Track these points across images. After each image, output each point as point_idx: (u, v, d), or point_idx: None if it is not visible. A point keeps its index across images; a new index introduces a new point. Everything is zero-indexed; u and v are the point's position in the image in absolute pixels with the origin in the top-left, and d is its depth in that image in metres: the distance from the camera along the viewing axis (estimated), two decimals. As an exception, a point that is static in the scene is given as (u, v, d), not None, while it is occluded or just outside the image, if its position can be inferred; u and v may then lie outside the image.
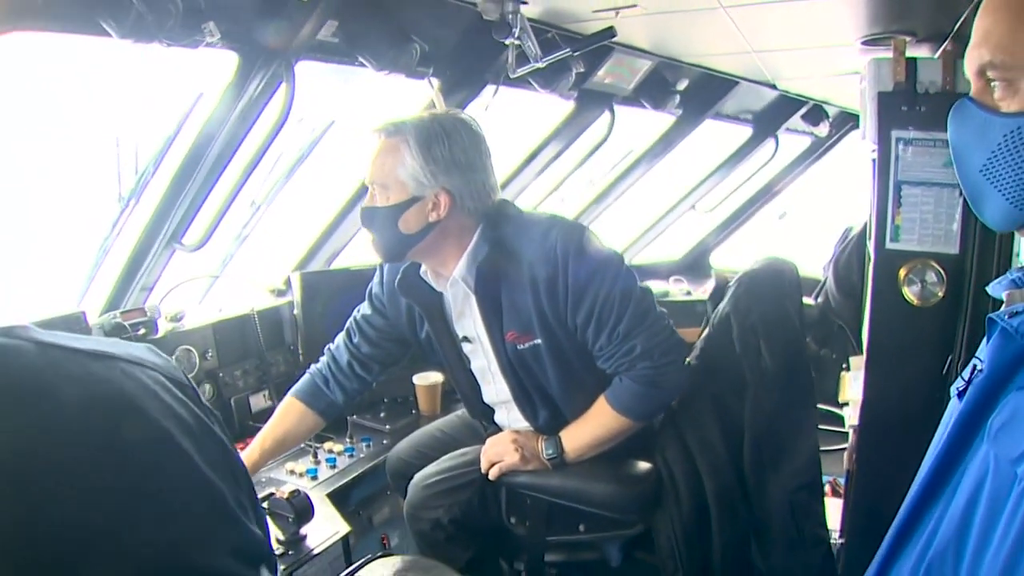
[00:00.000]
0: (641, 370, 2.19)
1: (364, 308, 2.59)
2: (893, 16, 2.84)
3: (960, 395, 1.17)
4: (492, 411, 2.55)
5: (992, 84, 1.09)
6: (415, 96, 3.24)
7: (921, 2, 2.67)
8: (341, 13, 2.40)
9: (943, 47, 2.94)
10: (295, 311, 3.33)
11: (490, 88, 3.14)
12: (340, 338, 2.64)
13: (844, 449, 3.39)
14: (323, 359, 2.63)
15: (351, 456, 2.89)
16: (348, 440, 2.98)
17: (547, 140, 4.16)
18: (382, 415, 3.22)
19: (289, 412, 2.57)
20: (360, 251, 3.83)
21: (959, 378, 1.18)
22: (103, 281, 2.94)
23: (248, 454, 2.50)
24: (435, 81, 2.96)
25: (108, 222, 2.82)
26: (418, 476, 2.47)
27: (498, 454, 2.36)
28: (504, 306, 2.25)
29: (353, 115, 3.21)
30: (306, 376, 2.63)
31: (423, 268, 2.39)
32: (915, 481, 1.23)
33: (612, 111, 4.08)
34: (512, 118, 3.71)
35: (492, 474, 2.35)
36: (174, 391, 1.02)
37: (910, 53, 2.87)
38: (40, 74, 2.34)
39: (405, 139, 2.17)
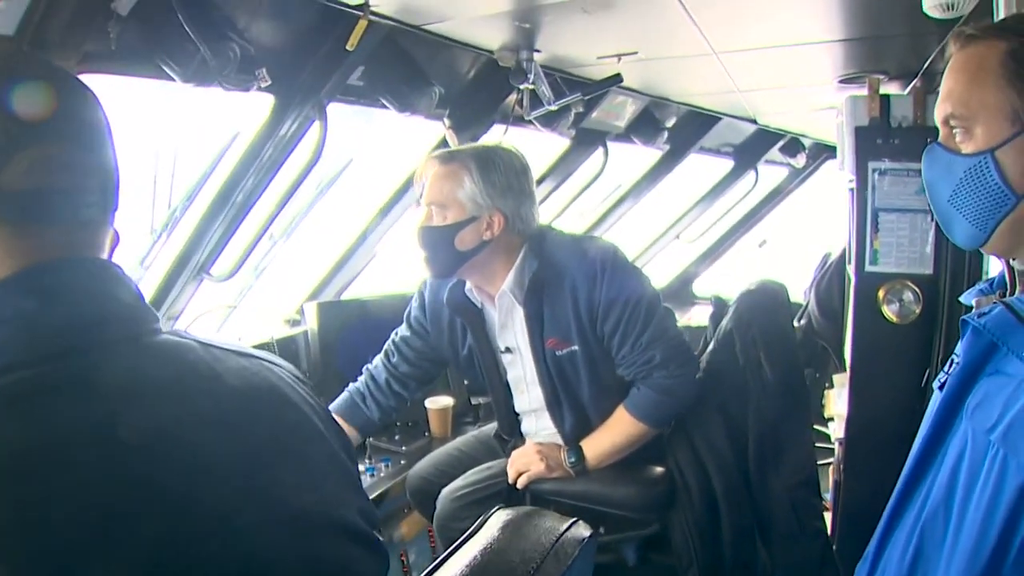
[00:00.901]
0: (658, 379, 2.40)
1: (402, 330, 2.82)
2: (867, 58, 3.05)
3: (941, 387, 1.38)
4: (519, 421, 2.73)
5: (954, 131, 1.32)
6: (428, 134, 3.45)
7: (893, 45, 2.88)
8: (368, 59, 2.57)
9: (913, 84, 3.15)
10: (310, 339, 3.48)
11: (498, 127, 3.33)
12: (378, 359, 2.84)
13: (830, 463, 3.57)
14: (361, 379, 2.83)
15: (372, 476, 2.99)
16: (368, 461, 3.09)
17: (544, 176, 4.34)
18: (397, 438, 3.33)
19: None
20: (369, 283, 4.01)
21: (940, 372, 1.41)
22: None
23: None
24: (448, 120, 3.14)
25: (138, 255, 2.92)
26: (446, 490, 2.63)
27: (525, 464, 2.53)
28: (546, 316, 2.46)
29: (372, 153, 3.39)
30: (344, 394, 2.83)
31: (467, 287, 2.60)
32: (907, 461, 1.45)
33: (605, 147, 4.28)
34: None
35: (520, 483, 2.52)
36: (301, 385, 1.21)
37: (883, 90, 3.06)
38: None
39: (466, 165, 2.42)
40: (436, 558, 1.02)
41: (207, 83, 2.10)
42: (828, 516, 3.59)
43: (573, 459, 2.50)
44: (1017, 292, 1.33)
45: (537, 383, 2.55)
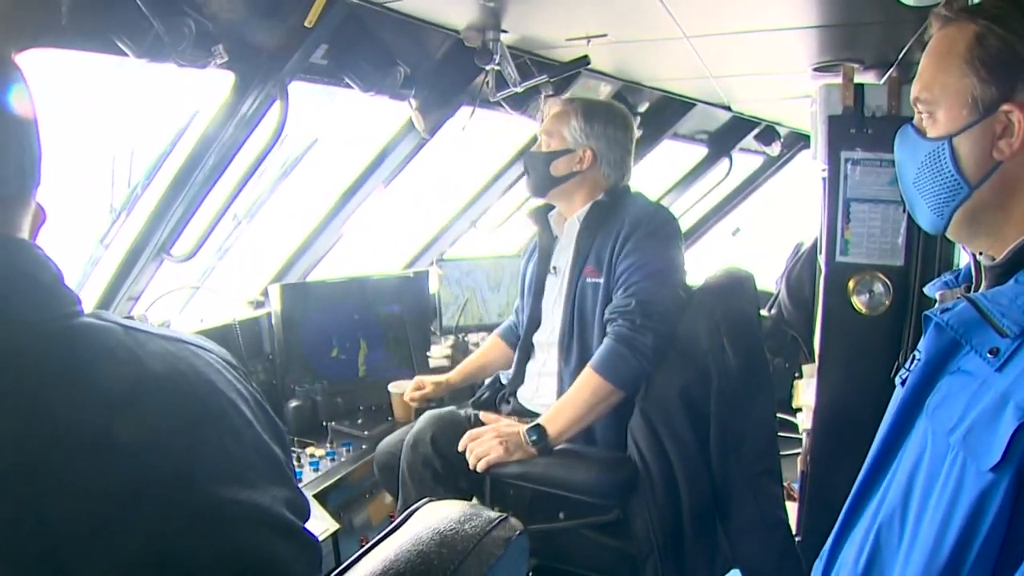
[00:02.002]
0: (621, 326, 2.54)
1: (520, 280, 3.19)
2: (843, 45, 3.02)
3: (903, 383, 1.34)
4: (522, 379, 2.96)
5: (921, 114, 1.31)
6: (393, 115, 3.39)
7: (869, 33, 2.85)
8: (332, 37, 2.52)
9: (889, 74, 3.13)
10: (274, 321, 3.44)
11: (466, 109, 3.28)
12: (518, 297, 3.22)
13: (798, 454, 3.55)
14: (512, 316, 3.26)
15: (332, 460, 2.99)
16: (329, 445, 3.07)
17: (513, 160, 4.29)
18: (359, 422, 3.31)
19: (492, 346, 3.28)
20: (335, 265, 3.97)
21: (903, 369, 1.38)
22: (90, 290, 2.99)
23: (450, 375, 3.22)
24: (414, 101, 3.08)
25: (97, 233, 2.88)
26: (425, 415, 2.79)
27: (484, 450, 2.52)
28: (594, 245, 2.74)
29: (337, 133, 3.34)
30: (505, 323, 3.29)
31: (551, 212, 2.97)
32: (867, 458, 1.41)
33: (577, 131, 4.21)
34: (476, 139, 3.84)
35: (480, 467, 2.50)
36: (231, 371, 1.17)
37: (858, 79, 3.03)
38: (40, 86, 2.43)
39: (575, 108, 2.83)
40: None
41: (162, 59, 2.05)
42: (795, 507, 3.60)
43: (534, 436, 2.51)
44: (983, 287, 1.29)
45: (562, 307, 2.78)
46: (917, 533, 1.20)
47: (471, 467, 2.53)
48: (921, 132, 1.31)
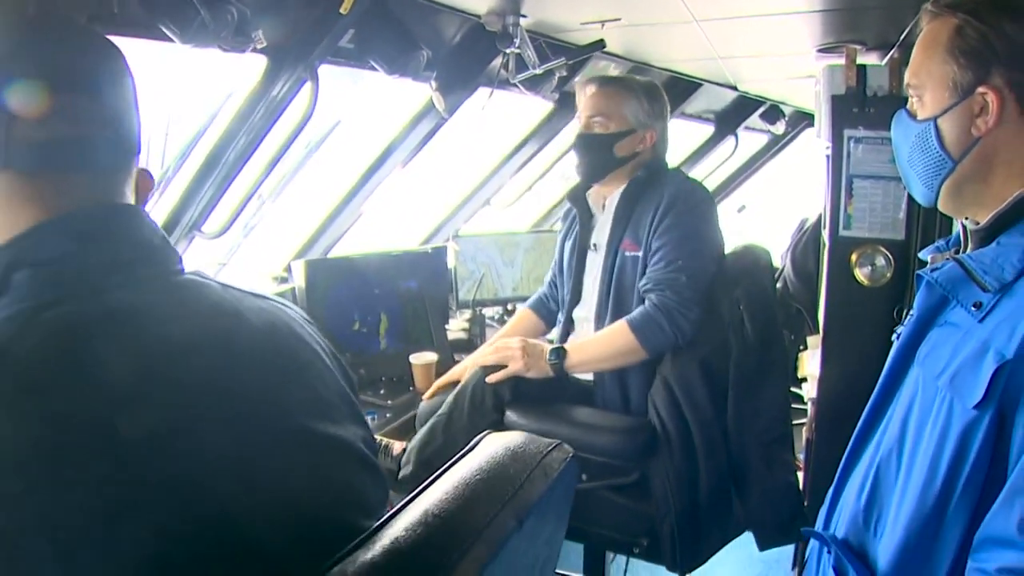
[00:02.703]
0: (665, 296, 2.62)
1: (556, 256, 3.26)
2: (846, 28, 3.11)
3: (899, 338, 1.51)
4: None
5: (912, 98, 1.46)
6: (412, 97, 3.51)
7: (871, 16, 2.93)
8: (358, 22, 2.61)
9: (890, 55, 3.21)
10: (297, 296, 3.55)
11: (483, 90, 3.39)
12: (550, 269, 3.32)
13: (804, 423, 3.68)
14: (543, 286, 3.35)
15: None
16: (358, 412, 3.19)
17: (525, 139, 4.40)
18: (382, 392, 3.40)
19: (522, 318, 3.34)
20: (355, 241, 4.09)
21: (899, 326, 1.54)
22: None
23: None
24: (435, 83, 3.20)
25: None
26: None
27: (505, 358, 2.71)
28: (631, 221, 2.79)
29: (359, 115, 3.46)
30: (535, 295, 3.37)
31: (589, 192, 3.03)
32: (866, 407, 1.56)
33: (588, 111, 4.32)
34: (489, 120, 3.95)
35: (491, 378, 2.69)
36: (310, 326, 1.30)
37: (860, 60, 3.10)
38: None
39: (632, 88, 2.87)
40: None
41: (206, 45, 2.14)
42: (801, 475, 3.72)
43: (554, 358, 2.68)
44: (968, 249, 1.44)
45: (599, 281, 2.86)
46: (912, 468, 1.36)
47: (484, 363, 2.76)
48: (912, 115, 1.46)
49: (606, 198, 2.95)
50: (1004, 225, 1.37)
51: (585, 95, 2.91)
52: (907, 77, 1.47)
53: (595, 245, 2.95)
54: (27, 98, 1.04)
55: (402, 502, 0.97)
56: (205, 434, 1.01)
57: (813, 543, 1.65)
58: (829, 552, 1.53)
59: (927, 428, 1.34)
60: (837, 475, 1.61)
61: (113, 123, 1.13)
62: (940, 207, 1.48)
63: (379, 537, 0.91)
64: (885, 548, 1.39)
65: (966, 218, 1.46)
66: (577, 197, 3.06)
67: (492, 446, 1.12)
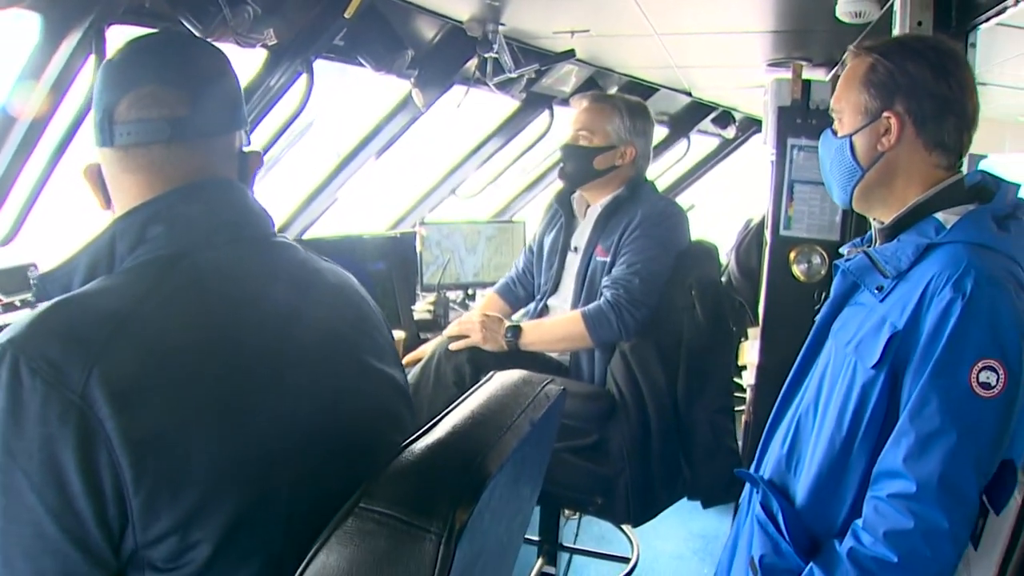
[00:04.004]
0: (617, 295, 2.87)
1: (528, 246, 3.55)
2: (794, 46, 3.41)
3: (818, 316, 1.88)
4: None
5: (834, 120, 1.80)
6: (389, 94, 3.75)
7: (817, 36, 3.23)
8: (350, 21, 2.78)
9: (834, 71, 3.50)
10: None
11: (459, 88, 3.63)
12: (520, 257, 3.58)
13: (743, 411, 3.94)
14: (511, 271, 3.58)
15: None
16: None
17: (491, 135, 4.64)
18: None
19: (490, 303, 3.53)
20: (329, 225, 4.31)
21: (818, 305, 1.89)
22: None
23: None
24: (414, 80, 3.39)
25: None
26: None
27: (466, 330, 2.98)
28: (607, 229, 3.03)
29: (339, 106, 3.67)
30: (501, 280, 3.59)
31: (574, 196, 3.26)
32: (790, 374, 1.92)
33: (551, 111, 4.58)
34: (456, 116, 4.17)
35: (454, 346, 2.95)
36: (364, 289, 1.55)
37: (806, 75, 3.34)
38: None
39: (617, 106, 3.08)
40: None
41: (224, 39, 2.34)
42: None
43: (510, 335, 2.94)
44: (876, 244, 1.76)
45: (575, 280, 3.10)
46: (824, 419, 1.70)
47: (446, 335, 3.04)
48: (835, 132, 1.79)
49: (589, 206, 3.17)
50: (904, 225, 1.70)
51: (577, 109, 3.17)
52: (832, 103, 1.79)
53: (575, 248, 3.17)
54: (138, 89, 1.28)
55: (431, 422, 1.23)
56: (288, 363, 1.27)
57: (747, 487, 1.96)
58: (758, 491, 1.83)
59: (837, 386, 1.68)
60: (766, 429, 1.93)
61: (228, 108, 1.37)
62: (854, 207, 1.80)
63: (419, 442, 1.17)
64: (802, 485, 1.73)
65: (875, 220, 1.79)
66: (563, 201, 3.28)
67: (506, 375, 1.41)
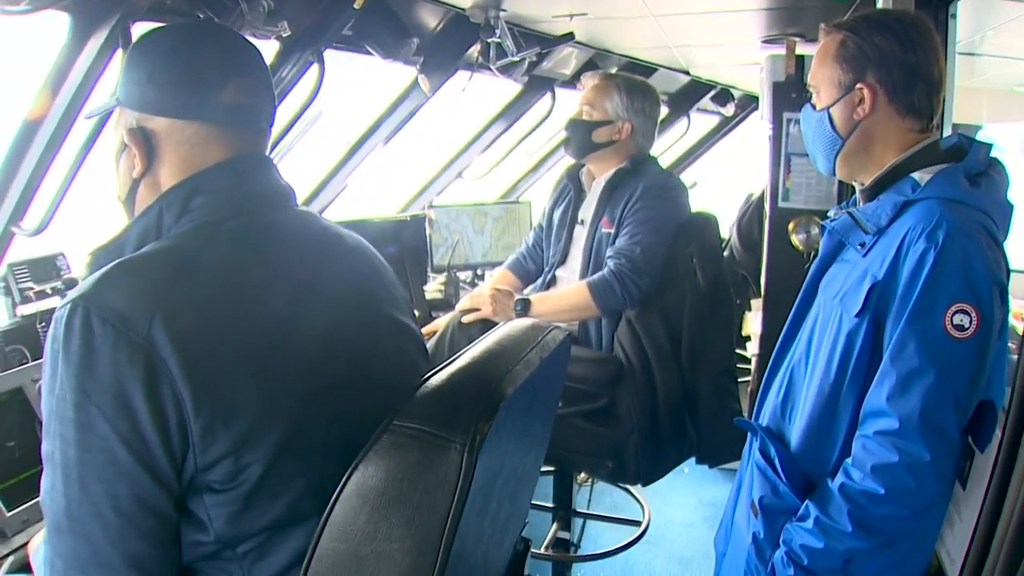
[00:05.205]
0: (620, 265, 3.01)
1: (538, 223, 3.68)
2: (787, 22, 3.49)
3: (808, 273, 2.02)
4: None
5: (813, 95, 1.92)
6: (398, 79, 3.86)
7: (809, 12, 3.27)
8: (358, 11, 2.90)
9: None
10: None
11: (463, 73, 3.73)
12: (531, 233, 3.72)
13: (747, 381, 4.04)
14: (521, 247, 3.73)
15: None
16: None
17: (495, 119, 4.75)
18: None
19: (502, 278, 3.65)
20: (341, 210, 4.41)
21: (808, 263, 2.02)
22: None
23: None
24: (420, 67, 3.50)
25: None
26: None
27: (478, 303, 3.15)
28: (612, 201, 3.18)
29: (349, 94, 3.77)
30: (512, 256, 3.74)
31: (583, 170, 3.41)
32: (783, 328, 2.06)
33: (553, 93, 4.67)
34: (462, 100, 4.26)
35: (465, 319, 3.13)
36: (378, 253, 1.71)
37: (800, 51, 3.47)
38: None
39: (617, 84, 3.27)
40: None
41: (240, 32, 2.41)
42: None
43: (520, 307, 3.10)
44: (860, 205, 1.88)
45: (582, 253, 3.25)
46: (815, 365, 1.84)
47: (458, 309, 3.23)
48: (813, 106, 1.92)
49: (595, 180, 3.31)
50: (883, 185, 1.83)
51: (585, 86, 3.35)
52: (808, 79, 1.93)
53: (583, 220, 3.31)
54: (226, 77, 1.44)
55: (445, 361, 1.38)
56: (320, 312, 1.42)
57: (748, 438, 2.08)
58: (756, 438, 1.96)
59: (825, 337, 1.82)
60: (763, 382, 2.06)
61: (263, 96, 1.51)
62: (838, 175, 1.94)
63: (441, 372, 1.34)
64: (797, 430, 1.87)
65: (858, 183, 1.92)
66: (573, 176, 3.43)
67: (511, 325, 1.55)
